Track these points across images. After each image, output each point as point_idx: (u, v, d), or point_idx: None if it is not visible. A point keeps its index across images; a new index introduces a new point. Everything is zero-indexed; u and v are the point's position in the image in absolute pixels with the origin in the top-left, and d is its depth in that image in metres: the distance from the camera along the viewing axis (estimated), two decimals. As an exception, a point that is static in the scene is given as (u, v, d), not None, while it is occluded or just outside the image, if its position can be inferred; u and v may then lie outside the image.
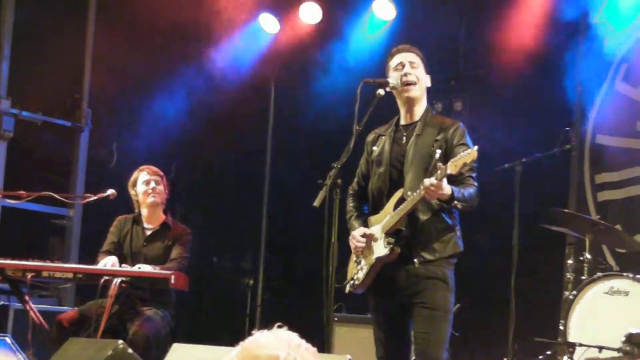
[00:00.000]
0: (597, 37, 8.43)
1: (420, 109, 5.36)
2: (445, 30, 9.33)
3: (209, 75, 9.90)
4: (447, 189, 4.91)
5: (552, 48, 8.57)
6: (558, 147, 7.73)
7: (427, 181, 4.87)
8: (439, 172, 4.86)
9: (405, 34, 9.22)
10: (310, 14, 9.79)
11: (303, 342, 2.42)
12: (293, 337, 2.41)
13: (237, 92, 10.03)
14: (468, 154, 4.87)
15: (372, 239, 5.24)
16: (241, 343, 2.42)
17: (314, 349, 2.43)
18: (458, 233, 5.23)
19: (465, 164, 4.89)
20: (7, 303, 8.11)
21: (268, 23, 10.03)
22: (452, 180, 5.04)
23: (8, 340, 6.70)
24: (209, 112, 9.98)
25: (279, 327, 2.45)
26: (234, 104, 10.02)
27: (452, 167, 4.85)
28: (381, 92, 5.35)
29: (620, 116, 8.39)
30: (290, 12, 9.93)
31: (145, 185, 6.99)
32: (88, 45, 9.77)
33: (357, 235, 5.29)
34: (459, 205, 5.02)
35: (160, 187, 7.02)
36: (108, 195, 6.97)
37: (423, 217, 5.13)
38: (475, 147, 4.93)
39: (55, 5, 9.51)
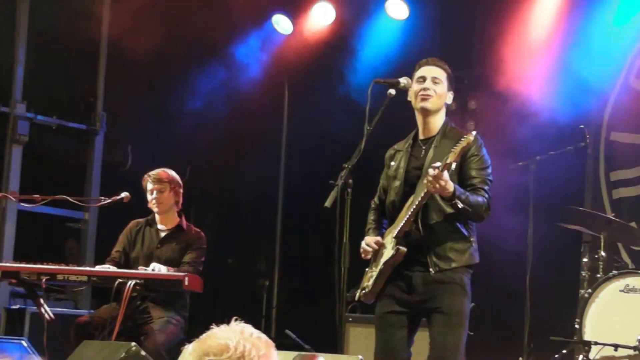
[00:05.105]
0: (609, 34, 8.41)
1: (437, 122, 5.31)
2: (458, 29, 9.31)
3: (222, 78, 9.91)
4: (449, 184, 4.90)
5: (565, 46, 8.53)
6: (572, 145, 7.71)
7: (430, 170, 4.87)
8: (439, 163, 4.86)
9: (418, 33, 9.22)
10: (323, 15, 9.79)
11: (256, 332, 2.55)
12: (247, 328, 2.55)
13: (251, 94, 10.04)
14: (465, 139, 4.88)
15: (385, 243, 5.23)
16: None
17: (267, 339, 2.56)
18: (474, 245, 5.20)
19: (463, 149, 4.89)
20: (23, 307, 8.15)
21: (281, 24, 10.03)
22: (465, 187, 5.06)
23: (24, 343, 6.74)
24: (224, 114, 9.99)
25: (236, 320, 2.59)
26: (248, 105, 10.03)
27: (451, 157, 4.85)
28: (392, 92, 5.35)
29: (634, 113, 8.37)
30: (303, 13, 9.93)
31: (150, 195, 6.99)
32: (102, 48, 9.80)
33: (370, 240, 5.28)
34: (460, 205, 4.96)
35: (165, 194, 6.98)
36: (122, 198, 6.96)
37: (435, 222, 5.11)
38: (474, 132, 4.95)
39: (69, 9, 9.54)
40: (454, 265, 5.10)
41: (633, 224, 7.55)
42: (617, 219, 7.12)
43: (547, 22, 8.75)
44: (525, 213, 7.57)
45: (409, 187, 5.23)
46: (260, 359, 2.50)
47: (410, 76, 5.37)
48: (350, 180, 5.23)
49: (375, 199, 5.55)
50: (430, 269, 5.09)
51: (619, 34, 8.40)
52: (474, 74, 9.35)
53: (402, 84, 5.33)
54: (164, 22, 9.13)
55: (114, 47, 9.72)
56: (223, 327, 2.55)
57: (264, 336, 2.56)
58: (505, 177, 7.53)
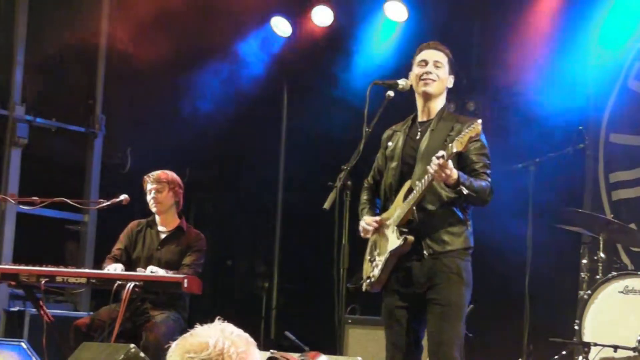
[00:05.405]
0: (609, 35, 8.42)
1: (436, 106, 5.32)
2: (457, 30, 9.31)
3: (222, 80, 9.90)
4: (453, 171, 4.91)
5: (564, 48, 8.54)
6: (572, 147, 7.71)
7: (434, 159, 4.88)
8: (445, 151, 4.87)
9: (417, 35, 9.21)
10: (322, 17, 9.78)
11: (237, 330, 2.63)
12: (227, 327, 2.62)
13: (250, 96, 10.04)
14: (472, 129, 4.88)
15: (384, 230, 5.22)
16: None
17: (248, 337, 2.63)
18: (470, 229, 5.21)
19: (470, 139, 4.89)
20: (22, 309, 8.15)
21: (280, 26, 10.02)
22: (467, 174, 5.05)
23: (24, 345, 6.72)
24: (223, 116, 9.99)
25: (219, 319, 2.65)
26: (247, 107, 10.04)
27: (457, 145, 4.86)
28: (391, 93, 5.36)
29: (633, 114, 8.37)
30: (302, 15, 9.92)
31: (149, 195, 6.99)
32: (101, 50, 9.80)
33: (368, 219, 5.30)
34: (465, 191, 4.96)
35: (164, 194, 6.97)
36: (121, 201, 6.95)
37: (432, 207, 5.13)
38: (479, 121, 4.95)
39: (68, 11, 9.53)
40: (448, 248, 5.10)
41: (632, 226, 7.57)
42: (617, 221, 7.13)
43: (545, 24, 8.75)
44: (525, 215, 7.57)
45: (406, 167, 5.25)
46: (240, 356, 2.56)
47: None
48: (349, 182, 5.23)
49: (369, 178, 5.56)
50: (424, 252, 5.10)
51: (618, 35, 8.42)
52: (472, 76, 9.36)
53: (400, 86, 5.35)
54: (163, 26, 9.13)
55: (113, 49, 9.73)
56: (206, 326, 2.62)
57: (244, 334, 2.63)
58: (505, 179, 7.54)
